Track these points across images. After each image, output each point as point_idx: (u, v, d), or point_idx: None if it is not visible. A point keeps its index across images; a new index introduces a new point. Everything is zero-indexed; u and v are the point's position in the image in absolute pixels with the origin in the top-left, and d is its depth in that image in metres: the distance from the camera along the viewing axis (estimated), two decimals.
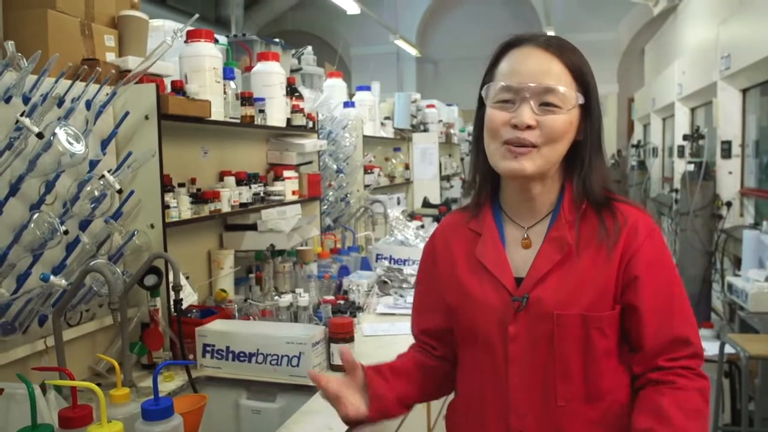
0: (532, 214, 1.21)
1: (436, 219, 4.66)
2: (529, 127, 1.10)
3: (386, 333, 2.22)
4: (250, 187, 2.48)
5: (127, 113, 1.83)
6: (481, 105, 1.20)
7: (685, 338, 1.13)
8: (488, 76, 1.19)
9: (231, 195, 2.35)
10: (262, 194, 2.57)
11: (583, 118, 1.16)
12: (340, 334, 1.86)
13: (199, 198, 2.19)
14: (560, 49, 1.13)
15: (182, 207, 2.07)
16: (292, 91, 2.76)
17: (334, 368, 1.86)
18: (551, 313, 1.13)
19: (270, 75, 2.57)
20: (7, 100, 1.50)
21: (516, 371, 1.16)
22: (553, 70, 1.11)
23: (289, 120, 2.73)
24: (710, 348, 3.47)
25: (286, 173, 2.73)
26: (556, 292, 1.14)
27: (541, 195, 1.19)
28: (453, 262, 1.26)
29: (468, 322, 1.23)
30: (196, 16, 1.95)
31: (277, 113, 2.60)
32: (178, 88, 2.05)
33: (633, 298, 1.13)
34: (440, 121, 5.81)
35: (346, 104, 3.77)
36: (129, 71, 1.83)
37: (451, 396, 1.37)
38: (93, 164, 1.76)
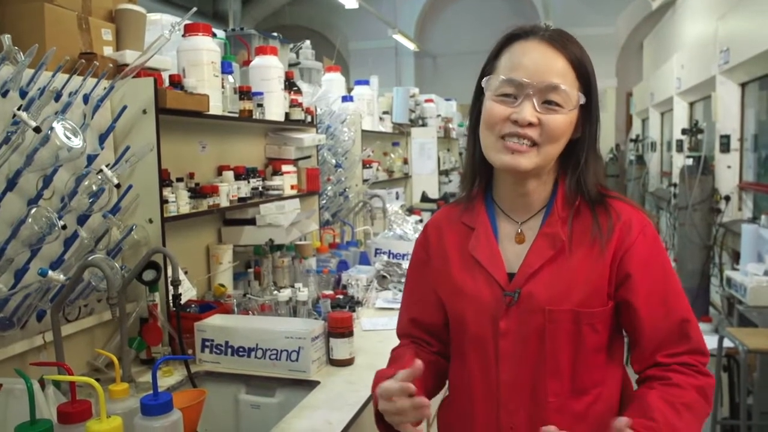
0: (525, 209, 1.20)
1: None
2: (530, 124, 1.09)
3: (385, 327, 2.22)
4: (249, 182, 2.47)
5: (124, 107, 1.82)
6: (479, 95, 1.18)
7: (682, 333, 1.11)
8: (489, 67, 1.16)
9: (229, 189, 2.34)
10: (260, 189, 2.57)
11: (583, 117, 1.15)
12: (339, 328, 1.86)
13: (197, 192, 2.18)
14: (565, 44, 1.11)
15: (180, 201, 2.06)
16: (290, 85, 2.76)
17: (333, 363, 1.87)
18: (543, 308, 1.12)
19: (268, 69, 2.56)
20: (4, 94, 1.50)
21: (506, 367, 1.15)
22: (557, 67, 1.10)
23: (287, 114, 2.72)
24: (709, 342, 3.47)
25: (285, 168, 2.73)
26: (547, 288, 1.13)
27: (536, 190, 1.18)
28: (446, 256, 1.25)
29: (459, 317, 1.22)
30: (194, 9, 1.94)
31: (275, 107, 2.59)
32: (176, 82, 2.04)
33: (628, 295, 1.12)
34: (439, 115, 5.81)
35: (345, 99, 3.76)
36: (126, 65, 1.83)
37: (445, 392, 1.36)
38: (91, 159, 1.75)
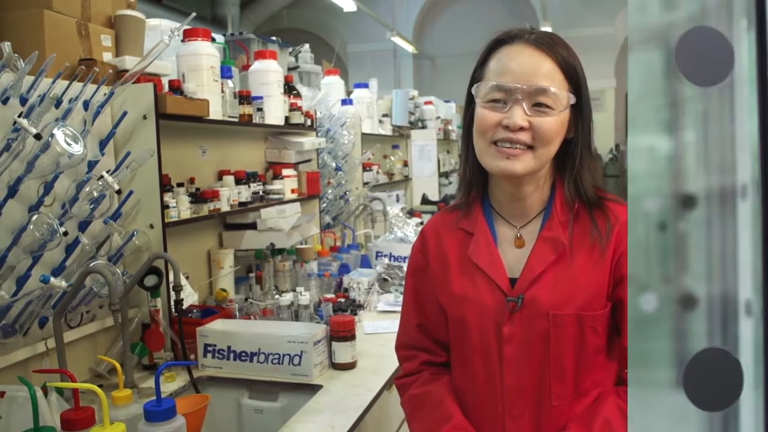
0: (523, 213, 1.20)
1: None
2: (521, 129, 1.09)
3: (387, 330, 2.21)
4: (249, 186, 2.47)
5: (125, 113, 1.83)
6: (470, 102, 1.18)
7: None
8: (478, 74, 1.17)
9: (230, 194, 2.34)
10: (261, 193, 2.57)
11: (575, 117, 1.15)
12: (341, 332, 1.86)
13: (198, 197, 2.18)
14: (551, 46, 1.11)
15: (181, 207, 2.06)
16: (289, 89, 2.76)
17: (335, 366, 1.86)
18: (547, 312, 1.12)
19: (267, 73, 2.57)
20: (5, 101, 1.50)
21: (511, 372, 1.15)
22: (544, 69, 1.10)
23: (287, 118, 2.73)
24: None
25: (285, 171, 2.73)
26: (551, 292, 1.13)
27: (533, 194, 1.18)
28: (445, 261, 1.24)
29: (460, 322, 1.21)
30: (193, 14, 1.94)
31: (275, 111, 2.59)
32: (176, 87, 2.04)
33: (622, 295, 1.13)
34: (438, 117, 5.81)
35: (344, 102, 3.77)
36: (126, 71, 1.83)
37: None
38: (91, 165, 1.75)
